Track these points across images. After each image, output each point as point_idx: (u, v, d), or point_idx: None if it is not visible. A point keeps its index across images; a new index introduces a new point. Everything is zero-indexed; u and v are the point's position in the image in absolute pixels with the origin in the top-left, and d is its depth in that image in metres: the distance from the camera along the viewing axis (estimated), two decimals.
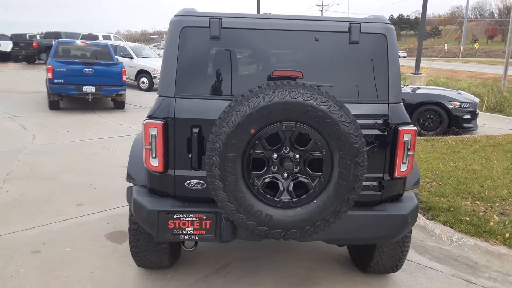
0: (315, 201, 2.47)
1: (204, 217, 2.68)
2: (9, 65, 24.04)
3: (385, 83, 2.77)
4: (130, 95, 12.79)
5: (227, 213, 2.47)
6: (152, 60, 16.45)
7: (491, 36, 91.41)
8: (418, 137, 8.30)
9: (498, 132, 9.13)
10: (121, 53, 16.45)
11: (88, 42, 12.84)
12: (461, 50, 63.01)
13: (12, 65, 24.07)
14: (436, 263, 3.71)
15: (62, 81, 10.32)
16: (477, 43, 70.79)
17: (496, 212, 4.51)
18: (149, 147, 2.66)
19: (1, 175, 5.53)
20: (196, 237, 2.70)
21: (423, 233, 4.21)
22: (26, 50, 23.85)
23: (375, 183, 2.77)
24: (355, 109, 2.64)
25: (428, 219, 4.39)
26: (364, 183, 2.65)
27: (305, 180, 2.48)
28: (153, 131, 2.64)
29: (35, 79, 17.06)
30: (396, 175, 2.77)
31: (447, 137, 8.41)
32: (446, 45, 59.90)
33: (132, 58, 16.43)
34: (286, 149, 2.47)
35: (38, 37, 26.08)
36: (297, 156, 2.47)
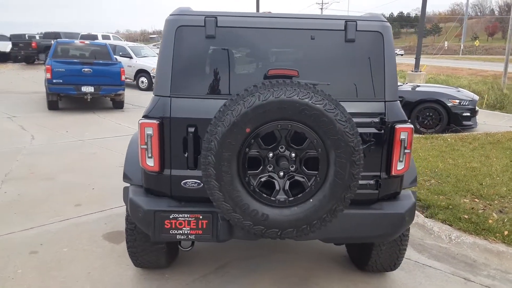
0: (311, 200, 2.46)
1: (201, 217, 2.67)
2: (8, 66, 24.03)
3: (381, 81, 2.76)
4: (129, 95, 12.79)
5: (223, 213, 2.46)
6: (151, 60, 16.43)
7: (492, 33, 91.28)
8: (417, 135, 8.30)
9: (497, 130, 9.12)
10: (120, 53, 16.45)
11: (87, 42, 12.83)
12: (462, 48, 62.89)
13: (12, 66, 24.06)
14: (434, 261, 3.70)
15: (61, 81, 10.32)
16: (477, 41, 70.74)
17: (495, 209, 4.49)
18: (145, 147, 2.65)
19: None
20: (192, 237, 2.69)
21: (422, 231, 4.20)
22: (25, 51, 23.84)
23: (372, 182, 2.75)
24: (351, 107, 2.63)
25: (427, 217, 4.38)
26: (361, 182, 2.63)
27: (301, 179, 2.47)
28: (149, 131, 2.63)
29: (34, 80, 17.06)
30: (393, 173, 2.75)
31: (447, 134, 8.40)
32: (446, 42, 59.73)
33: (131, 57, 16.42)
34: (282, 148, 2.46)
35: (37, 37, 26.06)
36: (293, 155, 2.46)
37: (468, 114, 9.12)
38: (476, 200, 4.75)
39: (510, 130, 9.06)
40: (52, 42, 12.23)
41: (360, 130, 2.55)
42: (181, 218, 2.66)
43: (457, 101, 9.12)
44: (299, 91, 2.32)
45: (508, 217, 4.27)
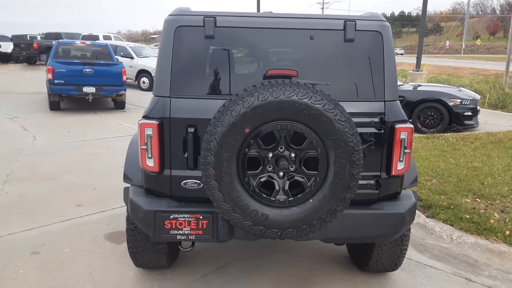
0: (311, 200, 2.46)
1: (201, 217, 2.67)
2: (10, 66, 24.10)
3: (381, 80, 2.75)
4: (131, 95, 12.81)
5: (223, 213, 2.46)
6: (153, 60, 16.42)
7: (493, 32, 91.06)
8: (418, 135, 8.29)
9: (499, 129, 9.10)
10: (122, 53, 16.47)
11: (88, 42, 12.85)
12: (463, 47, 62.76)
13: (13, 66, 24.14)
14: (436, 261, 3.70)
15: (62, 81, 10.34)
16: (479, 40, 70.56)
17: (497, 209, 4.48)
18: (145, 147, 2.65)
19: (1, 176, 5.54)
20: (193, 237, 2.70)
21: (423, 231, 4.19)
22: (26, 51, 23.92)
23: (372, 182, 2.75)
24: (351, 107, 2.63)
25: (428, 217, 4.37)
26: (361, 182, 2.63)
27: (301, 179, 2.47)
28: (149, 131, 2.63)
29: (35, 80, 17.10)
30: (393, 173, 2.75)
31: (448, 134, 8.38)
32: (447, 41, 59.66)
33: (132, 58, 16.44)
34: (281, 148, 2.46)
35: (38, 38, 26.12)
36: (293, 155, 2.46)
37: (470, 113, 9.10)
38: (477, 200, 4.74)
39: (511, 130, 9.04)
40: (54, 42, 12.27)
41: (360, 130, 2.55)
42: (181, 219, 2.66)
43: (459, 100, 9.11)
44: (298, 91, 2.32)
45: (510, 217, 4.26)
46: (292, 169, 2.47)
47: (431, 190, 4.96)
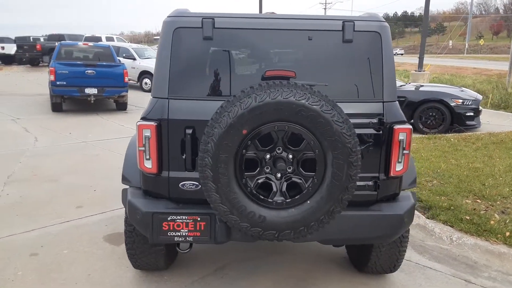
0: (308, 202, 2.45)
1: (199, 219, 2.68)
2: (13, 68, 24.20)
3: (379, 81, 2.74)
4: (133, 96, 12.83)
5: (220, 215, 2.46)
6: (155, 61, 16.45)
7: (497, 32, 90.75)
8: (420, 135, 8.27)
9: (501, 129, 9.06)
10: (124, 55, 16.50)
11: (90, 44, 12.89)
12: (466, 47, 62.60)
13: (16, 68, 24.23)
14: (435, 262, 3.68)
15: (65, 83, 10.38)
16: (482, 39, 70.35)
17: (497, 210, 4.46)
18: (143, 148, 2.65)
19: (2, 178, 5.56)
20: (190, 238, 2.70)
21: (423, 233, 4.18)
22: (30, 53, 23.99)
23: (370, 183, 2.74)
24: (349, 108, 2.63)
25: (428, 218, 4.36)
26: (359, 183, 2.63)
27: (299, 181, 2.46)
28: (147, 133, 2.64)
29: (38, 82, 17.16)
30: (391, 174, 2.74)
31: (450, 134, 8.35)
32: (450, 41, 59.50)
33: (134, 59, 16.47)
34: (279, 149, 2.45)
35: (42, 39, 26.21)
36: (290, 156, 2.45)
37: (472, 114, 9.07)
38: (478, 201, 4.72)
39: None
40: (56, 44, 12.31)
41: (359, 131, 2.55)
42: (179, 220, 2.67)
43: (460, 100, 9.07)
44: (296, 92, 2.32)
45: (510, 218, 4.23)
46: (289, 170, 2.47)
47: (432, 191, 4.94)
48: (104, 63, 11.13)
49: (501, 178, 5.43)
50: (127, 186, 2.99)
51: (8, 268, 3.38)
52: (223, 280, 3.30)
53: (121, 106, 11.44)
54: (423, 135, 8.36)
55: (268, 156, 2.45)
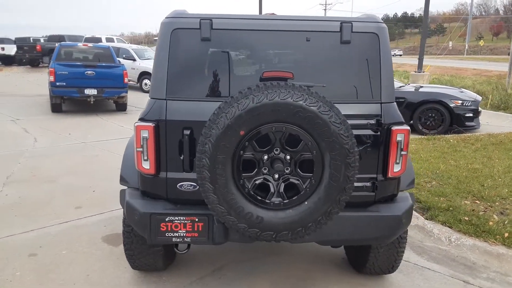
0: (306, 203, 2.45)
1: (197, 220, 2.68)
2: (13, 69, 24.23)
3: (377, 82, 2.75)
4: (133, 97, 12.84)
5: (218, 215, 2.46)
6: None
7: (496, 33, 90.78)
8: (419, 136, 8.27)
9: (500, 130, 9.07)
10: (124, 55, 16.52)
11: (90, 45, 12.90)
12: (466, 48, 62.62)
13: (16, 69, 24.27)
14: (434, 263, 3.68)
15: (64, 84, 10.39)
16: (482, 40, 70.37)
17: (496, 211, 4.46)
18: (141, 149, 2.66)
19: (1, 178, 5.57)
20: (188, 239, 2.70)
21: (422, 233, 4.18)
22: (30, 54, 24.03)
23: (368, 184, 2.75)
24: (347, 109, 2.63)
25: (427, 219, 4.36)
26: (357, 184, 2.64)
27: (296, 182, 2.46)
28: (145, 134, 2.64)
29: (38, 82, 17.18)
30: (389, 175, 2.74)
31: (449, 135, 8.35)
32: (450, 42, 59.55)
33: (134, 60, 16.49)
34: (276, 150, 2.46)
35: (42, 40, 26.24)
36: (288, 157, 2.46)
37: (471, 114, 9.07)
38: (477, 201, 4.72)
39: None
40: (56, 45, 12.33)
41: (357, 132, 2.56)
42: (177, 221, 2.67)
43: (460, 101, 9.08)
44: (293, 93, 2.32)
45: (509, 219, 4.24)
46: (287, 171, 2.47)
47: (431, 192, 4.94)
48: (104, 64, 11.15)
49: (500, 179, 5.43)
50: (125, 187, 2.99)
51: (7, 268, 3.38)
52: (221, 280, 3.30)
53: (121, 107, 11.45)
54: (422, 136, 8.36)
55: (265, 157, 2.45)
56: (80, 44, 12.98)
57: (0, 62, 26.14)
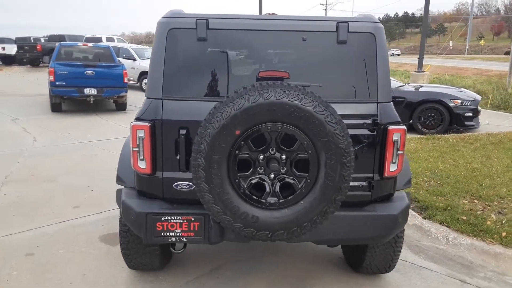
0: (301, 202, 2.45)
1: (193, 219, 2.68)
2: (13, 68, 24.26)
3: (374, 82, 2.74)
4: (133, 97, 12.84)
5: (213, 215, 2.46)
6: None
7: (497, 33, 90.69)
8: (418, 136, 8.27)
9: (500, 130, 9.06)
10: (124, 55, 16.53)
11: (89, 44, 12.91)
12: (467, 47, 62.54)
13: (17, 68, 24.29)
14: (431, 263, 3.68)
15: (64, 83, 10.40)
16: (482, 40, 70.33)
17: (494, 211, 4.46)
18: (137, 149, 2.66)
19: (0, 178, 5.57)
20: (184, 239, 2.70)
21: (419, 233, 4.18)
22: (30, 53, 24.05)
23: (364, 183, 2.75)
24: (344, 109, 2.63)
25: (425, 219, 4.35)
26: (354, 183, 2.64)
27: (292, 181, 2.46)
28: (141, 133, 2.64)
29: (39, 82, 17.19)
30: (385, 175, 2.74)
31: (448, 135, 8.35)
32: (451, 42, 59.49)
33: (134, 59, 16.48)
34: (272, 150, 2.45)
35: (42, 40, 26.25)
36: (284, 157, 2.45)
37: (470, 114, 9.07)
38: (475, 201, 4.72)
39: None
40: (57, 45, 12.34)
41: (353, 131, 2.56)
42: (173, 220, 2.67)
43: (459, 101, 9.07)
44: (289, 93, 2.32)
45: (507, 218, 4.23)
46: (283, 171, 2.47)
47: (429, 191, 4.94)
48: (104, 64, 11.16)
49: (498, 179, 5.42)
50: (122, 187, 2.99)
51: (3, 268, 3.38)
52: (218, 280, 3.31)
53: (121, 107, 11.45)
54: (422, 136, 8.36)
55: (261, 156, 2.45)
56: (80, 44, 12.98)
57: (0, 61, 26.17)
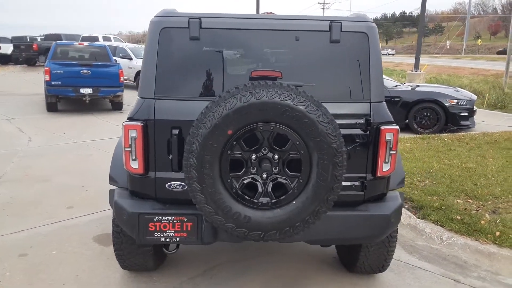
0: (294, 202, 2.45)
1: (185, 219, 2.67)
2: (9, 68, 24.16)
3: (367, 82, 2.74)
4: (129, 96, 12.79)
5: (205, 215, 2.45)
6: None
7: (494, 32, 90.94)
8: (414, 135, 8.28)
9: (496, 129, 9.08)
10: (121, 54, 16.48)
11: (86, 44, 12.86)
12: (464, 47, 62.68)
13: (13, 68, 24.20)
14: (425, 262, 3.68)
15: (60, 83, 10.37)
16: (480, 40, 70.50)
17: (488, 210, 4.47)
18: (129, 149, 2.65)
19: None
20: (177, 239, 2.69)
21: (414, 232, 4.18)
22: (26, 53, 23.95)
23: (357, 183, 2.74)
24: (336, 108, 2.63)
25: (419, 218, 4.36)
26: (346, 183, 2.64)
27: (284, 181, 2.46)
28: (133, 133, 2.63)
29: (35, 81, 17.12)
30: (378, 174, 2.74)
31: (444, 134, 8.36)
32: (448, 41, 59.61)
33: (131, 59, 16.43)
34: (264, 150, 2.45)
35: (38, 39, 26.16)
36: (276, 157, 2.45)
37: (466, 114, 9.09)
38: (469, 200, 4.72)
39: (508, 130, 9.02)
40: (53, 44, 12.30)
41: (346, 131, 2.56)
42: (165, 221, 2.66)
43: (455, 101, 9.09)
44: (281, 93, 2.31)
45: (501, 217, 4.24)
46: (275, 171, 2.46)
47: (424, 191, 4.95)
48: (100, 63, 11.13)
49: (493, 178, 5.44)
50: (115, 187, 2.98)
51: None
52: (212, 280, 3.30)
53: (117, 106, 11.42)
54: (418, 135, 8.37)
55: (253, 156, 2.44)
56: (76, 43, 12.93)
57: None
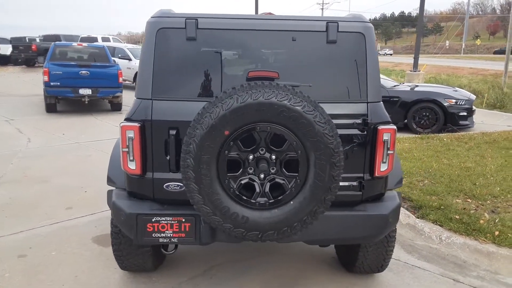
0: (291, 202, 2.45)
1: (183, 220, 2.67)
2: (8, 69, 24.16)
3: (364, 82, 2.75)
4: (128, 97, 12.78)
5: (203, 216, 2.46)
6: None
7: (493, 32, 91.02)
8: (413, 135, 8.28)
9: (495, 129, 9.08)
10: (120, 55, 16.49)
11: (84, 44, 12.86)
12: (463, 47, 62.70)
13: (12, 69, 24.19)
14: (424, 262, 3.68)
15: (59, 83, 10.37)
16: (478, 39, 70.52)
17: (487, 210, 4.47)
18: (127, 150, 2.65)
19: None
20: (175, 240, 2.69)
21: (413, 232, 4.18)
22: (25, 53, 23.96)
23: (355, 183, 2.75)
24: (334, 109, 2.63)
25: (418, 218, 4.36)
26: (344, 183, 2.64)
27: (281, 181, 2.46)
28: (130, 134, 2.63)
29: (34, 82, 17.13)
30: (376, 174, 2.74)
31: (443, 134, 8.36)
32: (447, 41, 59.65)
33: (130, 59, 16.44)
34: (262, 150, 2.45)
35: (38, 40, 26.15)
36: (273, 157, 2.45)
37: (465, 113, 9.09)
38: (468, 200, 4.73)
39: (507, 129, 9.03)
40: (51, 44, 12.30)
41: (343, 131, 2.56)
42: (163, 221, 2.66)
43: (454, 100, 9.09)
44: (278, 93, 2.32)
45: (500, 217, 4.24)
46: (272, 171, 2.47)
47: (423, 191, 4.95)
48: (98, 64, 11.13)
49: (492, 178, 5.44)
50: (113, 188, 2.98)
51: None
52: (211, 281, 3.30)
53: (116, 107, 11.43)
54: (417, 135, 8.37)
55: (251, 157, 2.44)
56: (74, 44, 12.92)
57: None
